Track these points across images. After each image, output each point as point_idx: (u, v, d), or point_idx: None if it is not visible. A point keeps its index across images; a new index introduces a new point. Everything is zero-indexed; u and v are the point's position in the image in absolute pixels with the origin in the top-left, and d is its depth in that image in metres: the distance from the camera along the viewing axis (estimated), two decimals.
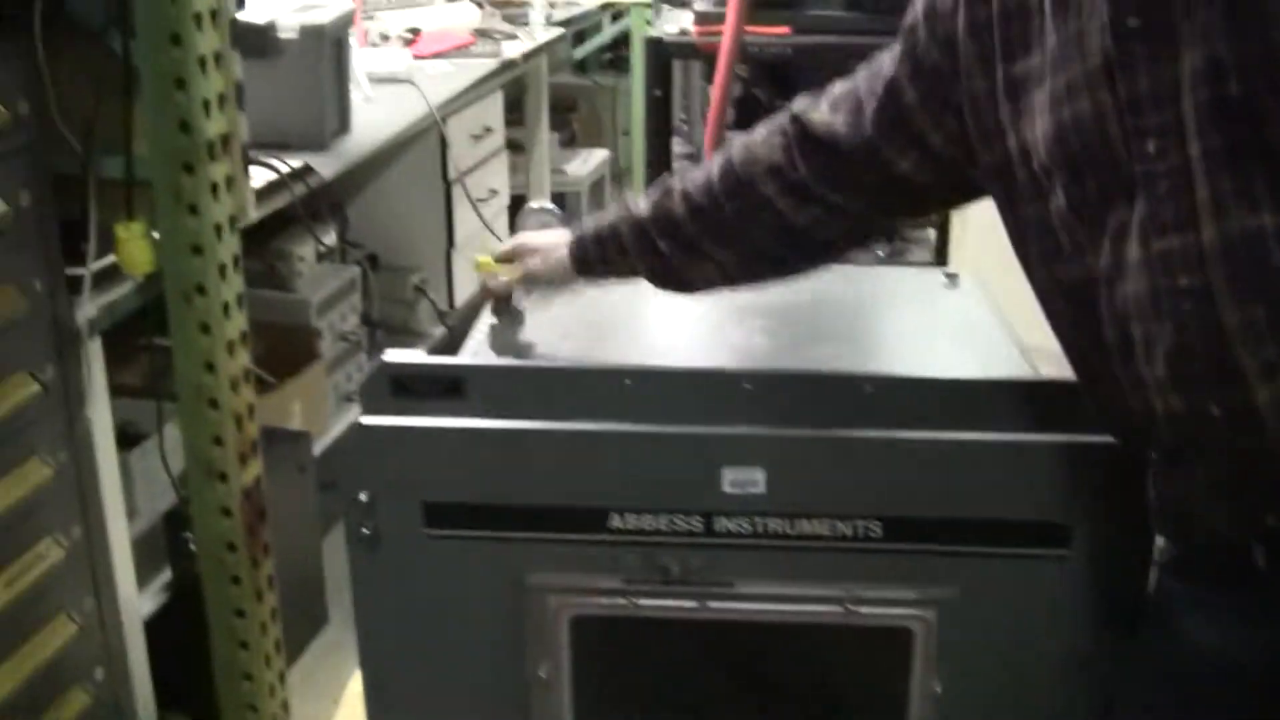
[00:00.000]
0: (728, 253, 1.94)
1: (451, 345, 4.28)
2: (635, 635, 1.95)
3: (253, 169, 2.49)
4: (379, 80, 3.68)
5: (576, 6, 5.03)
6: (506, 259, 2.13)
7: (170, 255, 2.23)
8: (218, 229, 2.21)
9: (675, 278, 2.01)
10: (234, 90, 2.21)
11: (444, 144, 4.04)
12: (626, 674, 2.01)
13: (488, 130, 4.41)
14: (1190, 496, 1.53)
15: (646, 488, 1.85)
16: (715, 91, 3.41)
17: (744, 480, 1.83)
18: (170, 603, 2.79)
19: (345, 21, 3.18)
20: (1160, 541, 1.71)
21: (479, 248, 4.43)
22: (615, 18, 6.39)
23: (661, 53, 3.81)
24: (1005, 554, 1.88)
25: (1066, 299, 1.59)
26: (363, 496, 1.85)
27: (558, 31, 4.71)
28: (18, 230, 2.11)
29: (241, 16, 2.44)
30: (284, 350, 3.48)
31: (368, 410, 1.87)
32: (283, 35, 2.96)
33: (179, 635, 2.71)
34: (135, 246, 2.25)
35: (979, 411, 1.86)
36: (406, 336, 4.27)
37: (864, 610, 1.90)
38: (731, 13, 3.37)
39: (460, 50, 4.15)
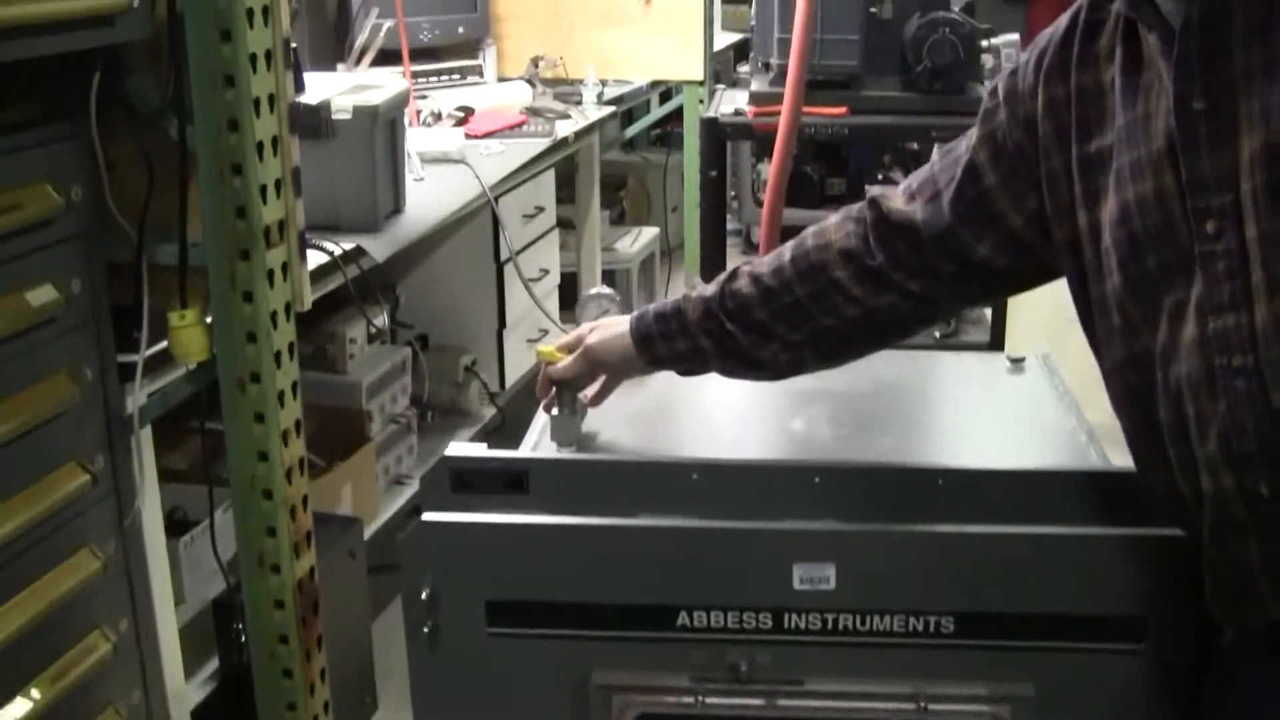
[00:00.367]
0: (797, 335, 1.93)
1: (503, 427, 4.29)
2: None
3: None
4: (431, 160, 3.67)
5: (627, 85, 5.01)
6: (570, 348, 2.07)
7: (224, 343, 2.20)
8: (273, 316, 2.18)
9: (741, 358, 1.97)
10: (291, 175, 2.18)
11: (496, 223, 4.02)
12: None
13: (539, 209, 4.40)
14: (1243, 579, 1.52)
15: (716, 584, 1.81)
16: (772, 172, 3.38)
17: (815, 576, 1.79)
18: (217, 691, 2.75)
19: (399, 102, 3.16)
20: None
21: (530, 328, 4.44)
22: (663, 96, 6.39)
23: (717, 133, 3.79)
24: (1080, 649, 1.83)
25: (1127, 378, 1.61)
26: (424, 594, 1.81)
27: (609, 110, 4.70)
28: (69, 317, 2.09)
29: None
30: (333, 432, 3.46)
31: (429, 505, 1.83)
32: (336, 117, 2.95)
33: None
34: (188, 334, 2.22)
35: (1051, 503, 1.83)
36: (456, 417, 4.25)
37: (937, 708, 1.84)
38: (789, 94, 3.34)
39: (512, 129, 4.13)
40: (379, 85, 3.17)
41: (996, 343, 3.88)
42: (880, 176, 7.12)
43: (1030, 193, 1.73)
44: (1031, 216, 1.74)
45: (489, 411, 4.32)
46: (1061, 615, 1.82)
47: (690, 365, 2.01)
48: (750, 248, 7.19)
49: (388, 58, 4.23)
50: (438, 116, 4.14)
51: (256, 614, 2.36)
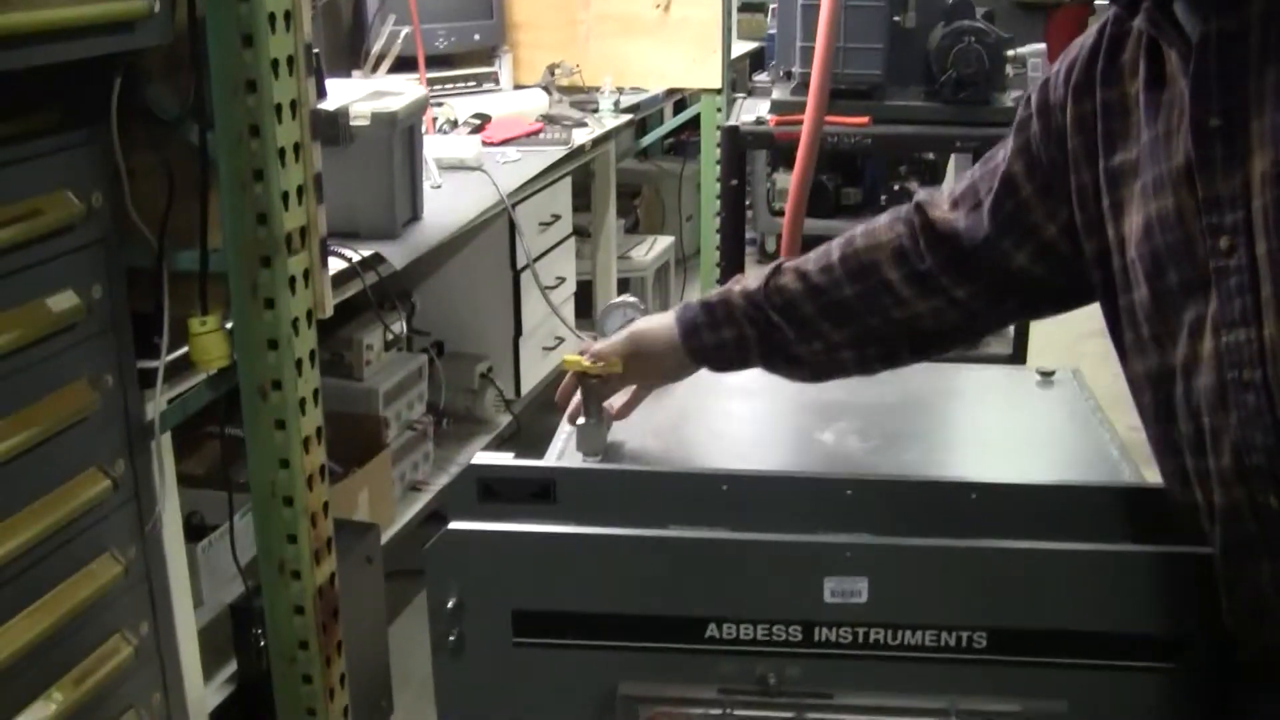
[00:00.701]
0: (841, 334, 1.95)
1: (518, 435, 4.28)
2: None
3: None
4: (448, 167, 3.66)
5: (643, 93, 5.00)
6: (630, 348, 2.05)
7: (245, 350, 2.19)
8: (295, 323, 2.16)
9: (783, 353, 1.99)
10: (313, 182, 2.16)
11: (513, 231, 4.01)
12: None
13: (555, 217, 4.39)
14: (1257, 597, 1.52)
15: (745, 596, 1.78)
16: (794, 181, 3.35)
17: (847, 590, 1.76)
18: (235, 695, 2.74)
19: (417, 109, 3.15)
20: None
21: (546, 335, 4.43)
22: (678, 105, 6.38)
23: (738, 142, 3.77)
24: (1114, 666, 1.78)
25: (1151, 391, 1.62)
26: (450, 603, 1.78)
27: (626, 118, 4.68)
28: (90, 324, 2.09)
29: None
30: (350, 439, 3.46)
31: (455, 514, 1.81)
32: (355, 123, 2.94)
33: None
34: (209, 340, 2.21)
35: (1085, 519, 1.80)
36: (472, 425, 4.24)
37: None
38: (812, 103, 3.31)
39: (529, 137, 4.12)
40: (397, 92, 3.15)
41: (1019, 355, 3.86)
42: (896, 187, 7.12)
43: (1064, 205, 1.74)
44: (1065, 228, 1.75)
45: (504, 419, 4.32)
46: (1095, 633, 1.78)
47: (732, 357, 2.01)
48: (766, 257, 7.19)
49: (403, 64, 4.23)
50: (454, 124, 4.13)
51: (277, 620, 2.35)
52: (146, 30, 2.02)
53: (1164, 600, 1.75)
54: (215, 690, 2.71)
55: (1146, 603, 1.76)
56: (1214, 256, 1.45)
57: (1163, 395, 1.59)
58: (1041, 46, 3.80)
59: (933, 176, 7.40)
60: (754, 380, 2.42)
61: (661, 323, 2.04)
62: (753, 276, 1.99)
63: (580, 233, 4.87)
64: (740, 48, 5.94)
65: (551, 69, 4.79)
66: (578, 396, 2.08)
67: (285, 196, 2.10)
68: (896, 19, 3.68)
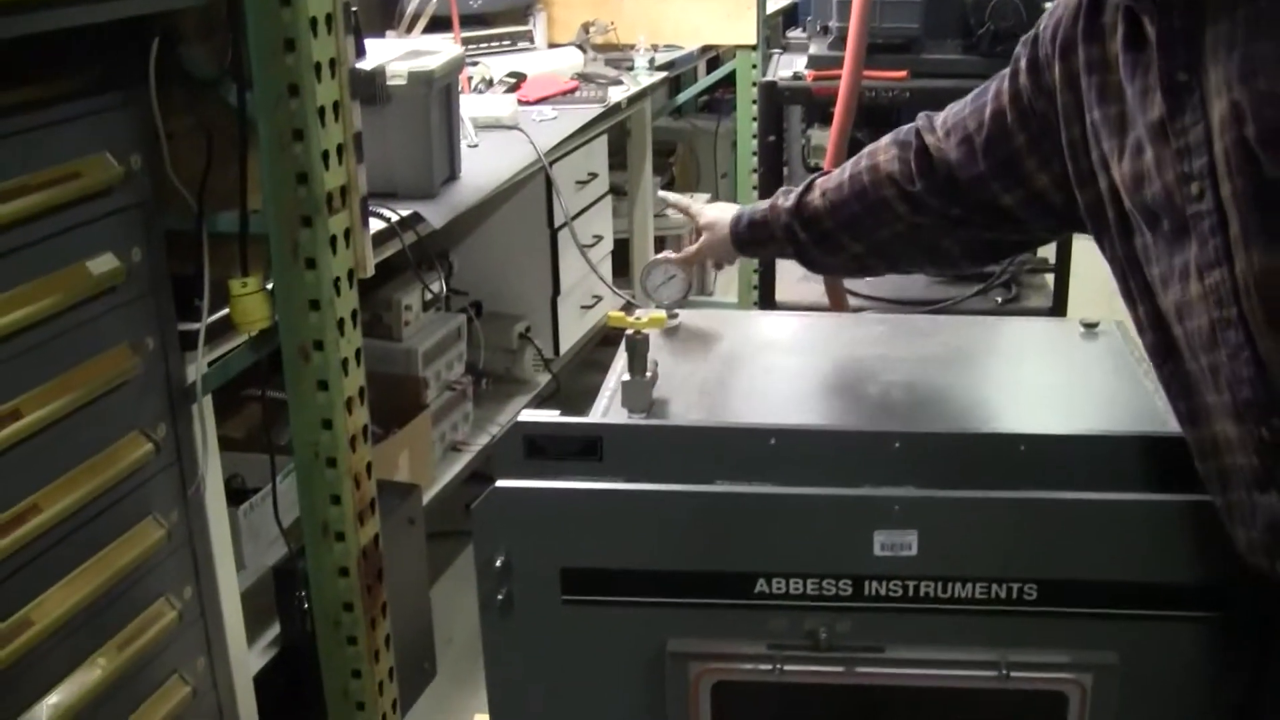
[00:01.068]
0: (860, 245, 2.14)
1: (558, 393, 4.27)
2: (780, 702, 1.87)
3: None
4: (484, 126, 3.64)
5: (677, 50, 4.97)
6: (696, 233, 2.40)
7: (286, 311, 2.18)
8: (336, 283, 2.15)
9: (814, 263, 2.24)
10: (353, 141, 2.15)
11: (550, 190, 3.99)
12: None
13: (592, 175, 4.36)
14: (1273, 528, 1.57)
15: (795, 551, 1.78)
16: (832, 136, 3.33)
17: (896, 543, 1.76)
18: (278, 658, 2.74)
19: (454, 68, 3.13)
20: None
21: (585, 294, 4.41)
22: (711, 63, 6.34)
23: (775, 98, 3.74)
24: (1164, 616, 1.79)
25: (1156, 332, 1.69)
26: (498, 562, 1.78)
27: (661, 76, 4.65)
28: (130, 287, 2.08)
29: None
30: (390, 400, 3.45)
31: (502, 472, 1.80)
32: (391, 83, 2.92)
33: (288, 692, 2.66)
34: (250, 302, 2.21)
35: (1133, 469, 1.80)
36: (511, 385, 4.24)
37: (1019, 675, 1.81)
38: (850, 58, 3.28)
39: (565, 95, 4.10)
40: (433, 51, 3.14)
41: (1059, 308, 3.83)
42: None
43: (1056, 157, 1.83)
44: (1059, 179, 1.85)
45: (543, 378, 4.31)
46: (1144, 583, 1.79)
47: (780, 258, 2.47)
48: None
49: (437, 24, 4.21)
50: (489, 83, 4.11)
51: (321, 582, 2.35)
52: None
53: (1212, 549, 1.74)
54: (259, 653, 2.71)
55: (1195, 552, 1.76)
56: (1188, 203, 1.53)
57: (1168, 336, 1.66)
58: None
59: None
60: (799, 335, 2.42)
61: (721, 234, 2.33)
62: (792, 193, 2.19)
63: (616, 191, 4.84)
64: (774, 3, 5.89)
65: (586, 27, 4.77)
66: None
67: (325, 156, 2.09)
68: None
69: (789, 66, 3.84)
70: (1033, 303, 3.89)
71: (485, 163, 3.38)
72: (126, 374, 2.08)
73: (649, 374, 1.99)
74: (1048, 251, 3.86)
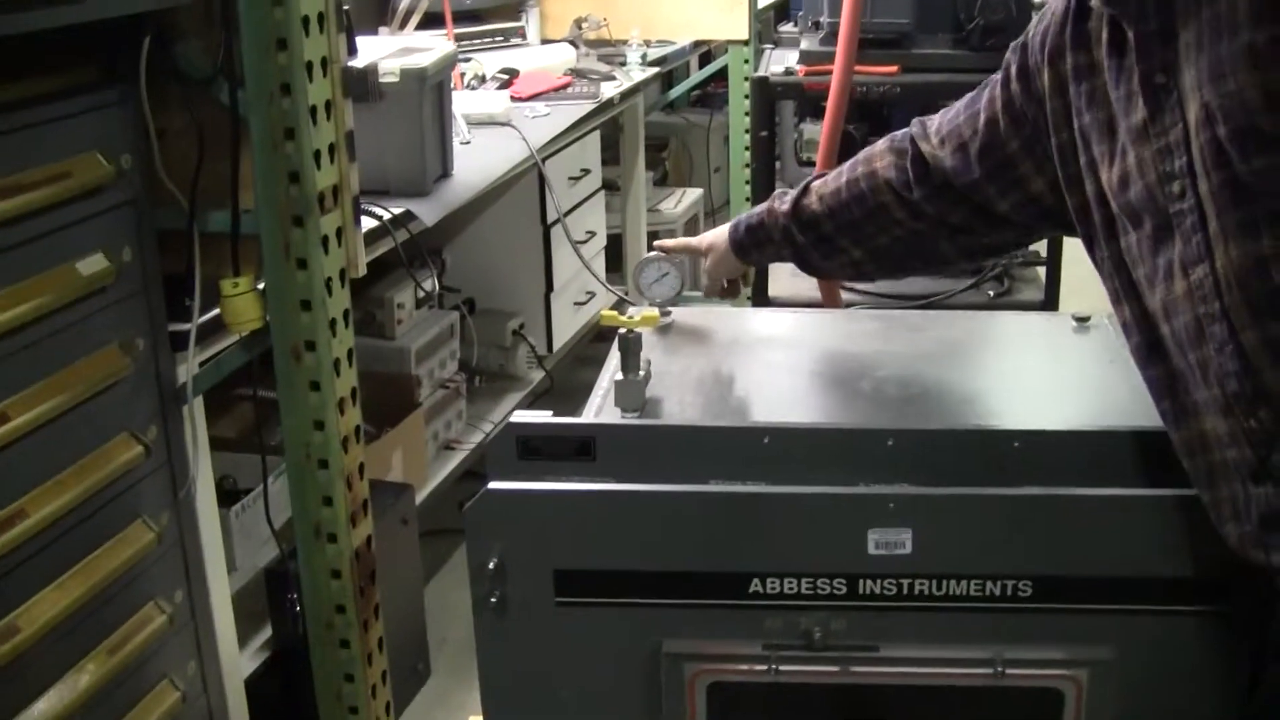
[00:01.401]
0: (859, 250, 2.16)
1: (551, 391, 4.27)
2: (775, 701, 1.87)
3: None
4: (477, 123, 3.63)
5: (670, 45, 4.96)
6: (684, 248, 2.36)
7: (278, 311, 2.17)
8: (328, 283, 2.14)
9: (815, 266, 2.25)
10: (345, 140, 2.14)
11: (543, 186, 3.98)
12: None
13: (585, 171, 4.36)
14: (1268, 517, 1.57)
15: (789, 550, 1.77)
16: (824, 131, 3.32)
17: (890, 541, 1.75)
18: (270, 661, 2.73)
19: (446, 65, 3.12)
20: None
21: (578, 290, 4.41)
22: (703, 58, 6.34)
23: (768, 93, 3.74)
24: (1160, 611, 1.79)
25: (1142, 332, 1.70)
26: (491, 564, 1.77)
27: (653, 71, 4.65)
28: (120, 287, 2.07)
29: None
30: (383, 399, 3.45)
31: (494, 473, 1.79)
32: (384, 80, 2.91)
33: (280, 696, 2.65)
34: (241, 302, 2.19)
35: (1128, 464, 1.80)
36: (505, 382, 4.23)
37: (1014, 672, 1.80)
38: (841, 53, 3.28)
39: (557, 91, 4.09)
40: (425, 48, 3.13)
41: (1051, 302, 3.83)
42: None
43: (1048, 161, 1.86)
44: (1053, 183, 1.87)
45: (537, 375, 4.30)
46: (1141, 578, 1.78)
47: (778, 263, 2.39)
48: None
49: (430, 21, 4.20)
50: (482, 79, 4.11)
51: (313, 584, 2.33)
52: None
53: (1207, 543, 1.73)
54: (250, 657, 2.70)
55: (1190, 546, 1.76)
56: (1171, 201, 1.57)
57: (1154, 336, 1.68)
58: None
59: None
60: (792, 332, 2.41)
61: (719, 239, 2.31)
62: (788, 195, 2.20)
63: (609, 186, 4.84)
64: None
65: (578, 23, 4.76)
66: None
67: (317, 155, 2.08)
68: None
69: (781, 61, 3.83)
70: (1025, 296, 3.90)
71: (478, 159, 3.38)
72: (116, 375, 2.07)
73: (642, 373, 1.99)
74: (1040, 246, 3.86)
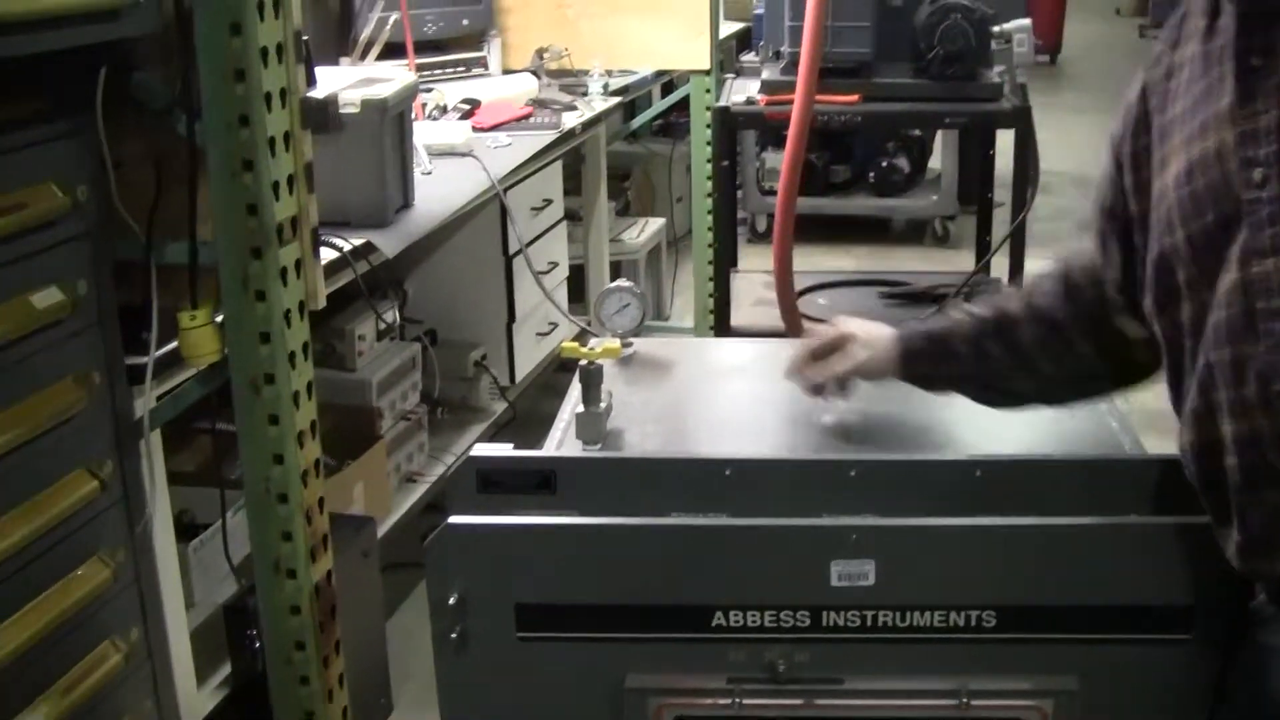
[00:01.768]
0: (1054, 368, 1.96)
1: (514, 422, 4.25)
2: None
3: None
4: (438, 154, 3.62)
5: (632, 75, 4.97)
6: (833, 347, 2.09)
7: (237, 343, 2.16)
8: (287, 315, 2.13)
9: (999, 388, 2.03)
10: (304, 171, 2.13)
11: (505, 216, 3.97)
12: None
13: (547, 201, 4.35)
14: (1273, 527, 1.55)
15: (751, 583, 1.76)
16: (786, 160, 3.32)
17: (853, 573, 1.74)
18: (230, 698, 2.70)
19: (407, 95, 3.11)
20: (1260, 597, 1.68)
21: (540, 321, 4.39)
22: (666, 87, 6.34)
23: (729, 123, 3.75)
24: (1124, 640, 1.79)
25: (1176, 335, 1.65)
26: (452, 599, 1.76)
27: (615, 101, 4.65)
28: (76, 320, 2.06)
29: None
30: (344, 431, 3.43)
31: (455, 507, 1.78)
32: (344, 111, 2.90)
33: None
34: (199, 334, 2.18)
35: (1093, 493, 1.80)
36: (467, 413, 4.21)
37: (979, 703, 1.79)
38: (802, 82, 3.28)
39: (519, 122, 4.09)
40: (386, 79, 3.12)
41: None
42: (884, 163, 7.12)
43: None
44: None
45: (500, 406, 4.28)
46: (1105, 607, 1.78)
47: (944, 387, 2.07)
48: (756, 236, 7.17)
49: (391, 51, 4.19)
50: (443, 110, 4.10)
51: (273, 620, 2.31)
52: (134, 18, 2.00)
53: (1171, 570, 1.74)
54: (209, 694, 2.67)
55: (1155, 575, 1.76)
56: (1245, 189, 1.50)
57: (1188, 334, 1.62)
58: (1027, 22, 3.77)
59: (920, 152, 7.40)
60: (754, 362, 2.41)
61: (881, 338, 2.07)
62: (980, 303, 2.03)
63: (571, 217, 4.83)
64: (727, 28, 5.90)
65: (540, 53, 4.75)
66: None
67: (276, 186, 2.07)
68: None
69: (743, 91, 3.84)
70: None
71: (439, 190, 3.37)
72: (71, 409, 2.05)
73: (603, 405, 1.98)
74: (1001, 272, 3.87)
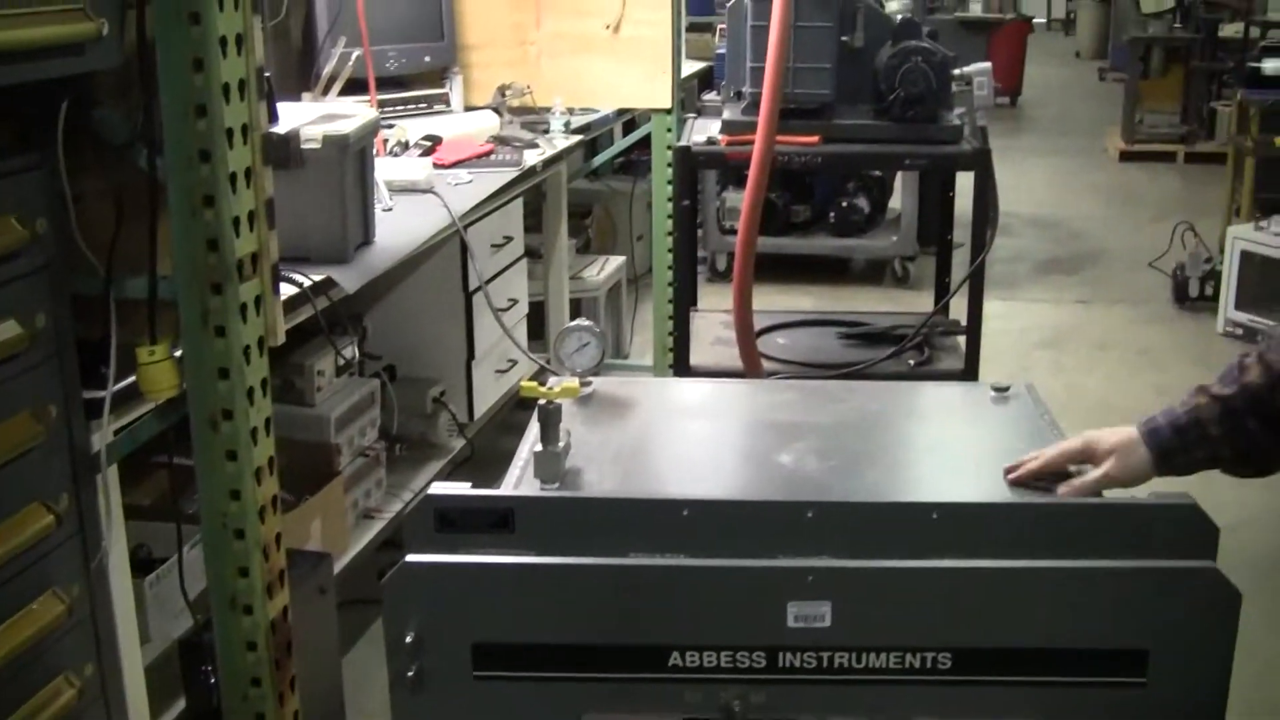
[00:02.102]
0: None
1: (472, 459, 4.24)
2: None
3: None
4: (399, 190, 3.62)
5: (593, 113, 4.98)
6: (1077, 458, 2.05)
7: (196, 379, 2.15)
8: (246, 351, 2.12)
9: (1258, 460, 2.00)
10: (265, 207, 2.13)
11: (465, 253, 3.98)
12: None
13: (508, 239, 4.35)
14: None
15: (708, 624, 1.77)
16: (746, 200, 3.34)
17: (810, 614, 1.76)
18: None
19: (369, 131, 3.11)
20: None
21: (499, 358, 4.39)
22: (627, 125, 6.37)
23: (690, 162, 3.76)
24: (1081, 683, 1.81)
25: None
26: (408, 638, 1.75)
27: (577, 138, 4.66)
28: (34, 353, 2.04)
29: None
30: (302, 467, 3.41)
31: (412, 546, 1.78)
32: (306, 146, 2.90)
33: None
34: (158, 369, 2.17)
35: (1047, 536, 1.81)
36: (425, 450, 4.20)
37: None
38: (763, 123, 3.30)
39: (480, 159, 4.09)
40: (348, 114, 3.12)
41: (971, 370, 3.85)
42: (844, 203, 7.15)
43: None
44: None
45: (458, 443, 4.27)
46: (1061, 650, 1.80)
47: (1200, 469, 2.02)
48: (716, 275, 7.19)
49: (353, 87, 4.19)
50: (405, 146, 4.09)
51: (229, 656, 2.30)
52: (96, 53, 1.99)
53: (1130, 615, 1.77)
54: None
55: (1112, 618, 1.78)
56: None
57: None
58: (987, 65, 3.81)
59: (880, 193, 7.44)
60: (712, 402, 2.42)
61: (1134, 457, 2.01)
62: (1218, 382, 2.00)
63: (532, 254, 4.83)
64: (689, 67, 5.93)
65: (502, 90, 4.76)
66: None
67: (236, 222, 2.07)
68: (845, 39, 3.69)
69: (704, 131, 3.85)
70: (945, 365, 3.91)
71: (400, 226, 3.36)
72: (28, 443, 2.04)
73: (562, 444, 1.98)
74: (960, 313, 3.89)
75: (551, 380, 2.20)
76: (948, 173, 4.26)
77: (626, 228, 6.64)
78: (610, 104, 5.07)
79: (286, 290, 2.68)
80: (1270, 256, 6.31)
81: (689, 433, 2.27)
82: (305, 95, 4.16)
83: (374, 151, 3.29)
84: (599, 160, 6.40)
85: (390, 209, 3.48)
